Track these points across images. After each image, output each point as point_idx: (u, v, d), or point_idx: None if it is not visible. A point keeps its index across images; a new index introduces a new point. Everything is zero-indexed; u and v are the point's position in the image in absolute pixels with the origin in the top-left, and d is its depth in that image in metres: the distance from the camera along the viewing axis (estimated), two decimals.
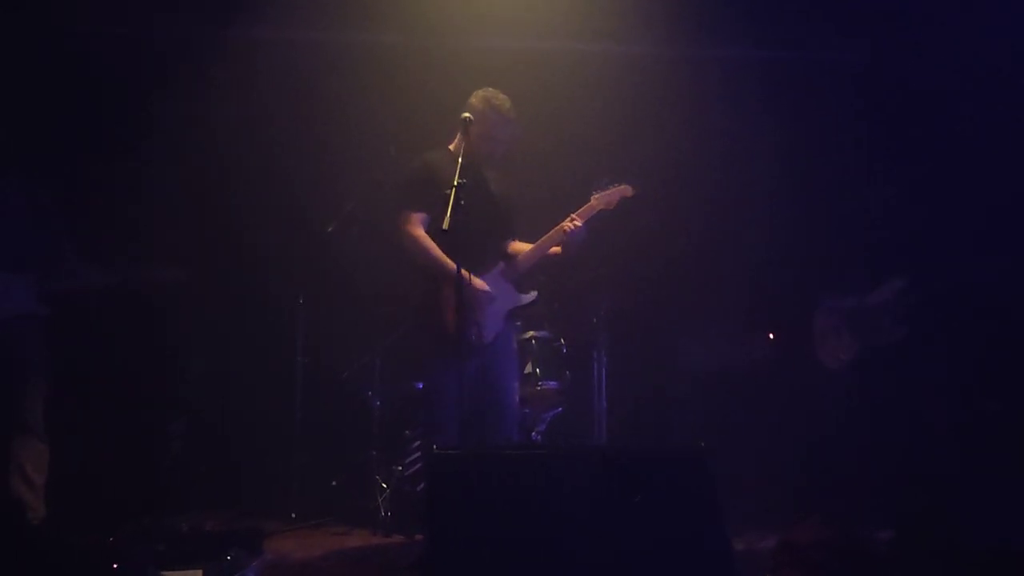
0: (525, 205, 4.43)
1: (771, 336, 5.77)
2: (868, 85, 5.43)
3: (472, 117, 4.06)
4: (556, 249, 4.21)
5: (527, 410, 5.17)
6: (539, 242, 4.22)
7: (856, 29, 5.31)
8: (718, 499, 2.93)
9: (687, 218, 5.69)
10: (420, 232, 4.05)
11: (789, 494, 4.81)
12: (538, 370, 5.08)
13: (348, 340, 5.59)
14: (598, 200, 4.19)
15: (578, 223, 4.12)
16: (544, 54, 5.54)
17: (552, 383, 5.09)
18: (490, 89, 4.23)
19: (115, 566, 3.32)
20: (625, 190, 4.21)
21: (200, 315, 5.61)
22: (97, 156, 5.23)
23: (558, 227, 4.15)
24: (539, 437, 5.13)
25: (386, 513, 4.86)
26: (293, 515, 5.10)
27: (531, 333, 5.17)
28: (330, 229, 5.25)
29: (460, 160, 3.78)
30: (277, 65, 5.44)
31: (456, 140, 4.20)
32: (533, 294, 4.26)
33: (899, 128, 5.22)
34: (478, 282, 4.06)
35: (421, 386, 5.25)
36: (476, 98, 4.19)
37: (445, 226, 3.58)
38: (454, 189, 3.67)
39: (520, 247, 4.31)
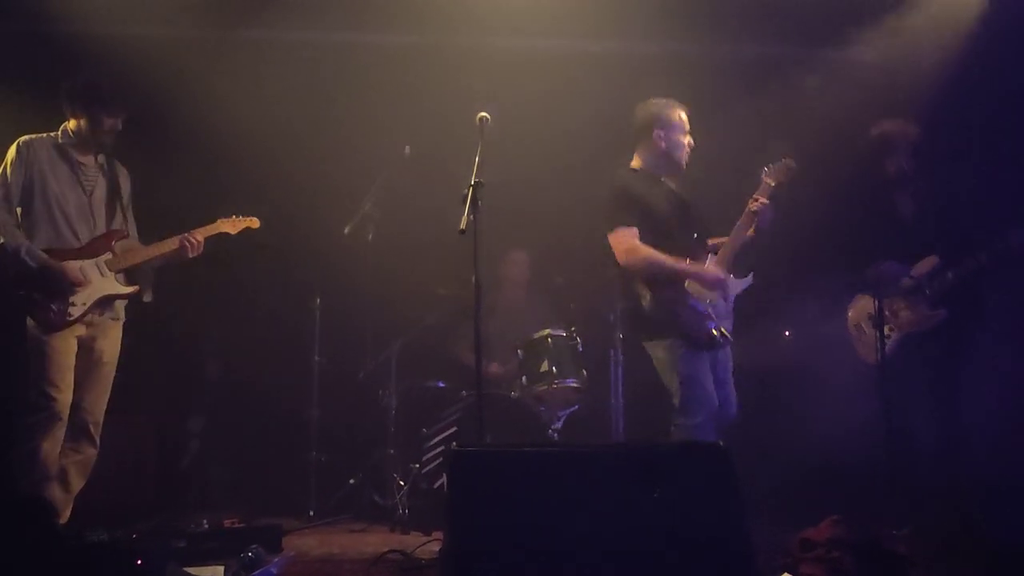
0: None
1: (787, 334, 5.76)
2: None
3: (658, 130, 4.23)
4: (751, 232, 4.26)
5: (543, 408, 5.20)
6: (734, 231, 4.26)
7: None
8: (740, 493, 2.93)
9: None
10: (637, 243, 4.11)
11: (805, 491, 4.81)
12: (555, 368, 5.11)
13: (364, 341, 5.62)
14: (769, 176, 4.25)
15: (764, 201, 4.19)
16: (556, 52, 5.56)
17: (569, 381, 5.11)
18: (662, 100, 4.29)
19: (139, 562, 3.34)
20: (789, 162, 4.27)
21: (218, 316, 5.67)
22: None
23: (746, 212, 4.22)
24: (556, 434, 5.14)
25: (404, 510, 4.89)
26: (311, 512, 5.14)
27: (547, 332, 5.20)
28: (347, 231, 5.29)
29: (477, 159, 3.76)
30: (291, 67, 5.47)
31: (635, 158, 4.29)
32: (750, 276, 4.29)
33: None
34: (713, 270, 4.16)
35: (442, 384, 5.32)
36: (656, 108, 4.27)
37: (462, 227, 3.57)
38: (471, 189, 3.66)
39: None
